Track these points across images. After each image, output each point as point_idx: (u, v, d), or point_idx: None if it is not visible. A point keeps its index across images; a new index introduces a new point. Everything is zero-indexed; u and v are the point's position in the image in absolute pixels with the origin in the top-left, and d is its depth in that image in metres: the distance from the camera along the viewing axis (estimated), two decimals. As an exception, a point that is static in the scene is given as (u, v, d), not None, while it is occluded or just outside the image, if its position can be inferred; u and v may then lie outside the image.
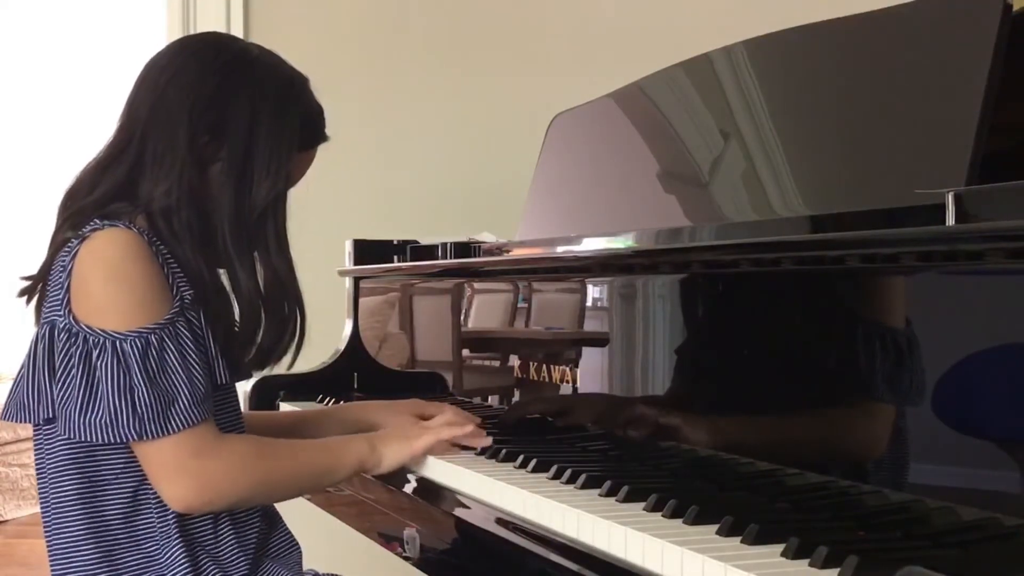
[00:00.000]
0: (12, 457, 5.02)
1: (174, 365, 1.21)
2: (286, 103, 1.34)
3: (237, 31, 2.85)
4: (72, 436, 1.21)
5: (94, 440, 1.20)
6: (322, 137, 1.43)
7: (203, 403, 1.23)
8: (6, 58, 5.75)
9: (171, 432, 1.20)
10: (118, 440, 1.20)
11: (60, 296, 1.22)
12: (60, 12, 5.75)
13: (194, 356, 1.23)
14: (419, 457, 1.44)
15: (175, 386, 1.21)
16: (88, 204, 1.28)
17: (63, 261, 1.24)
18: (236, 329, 1.32)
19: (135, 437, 1.20)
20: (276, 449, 1.33)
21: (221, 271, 1.31)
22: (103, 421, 1.19)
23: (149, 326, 1.21)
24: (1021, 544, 0.87)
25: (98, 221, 1.24)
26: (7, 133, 5.68)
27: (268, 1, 2.90)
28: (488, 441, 1.46)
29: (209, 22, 2.83)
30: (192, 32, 2.79)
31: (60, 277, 1.23)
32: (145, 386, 1.19)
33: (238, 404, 1.40)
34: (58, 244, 1.27)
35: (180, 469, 1.22)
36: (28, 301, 1.31)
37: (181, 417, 1.21)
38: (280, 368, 1.42)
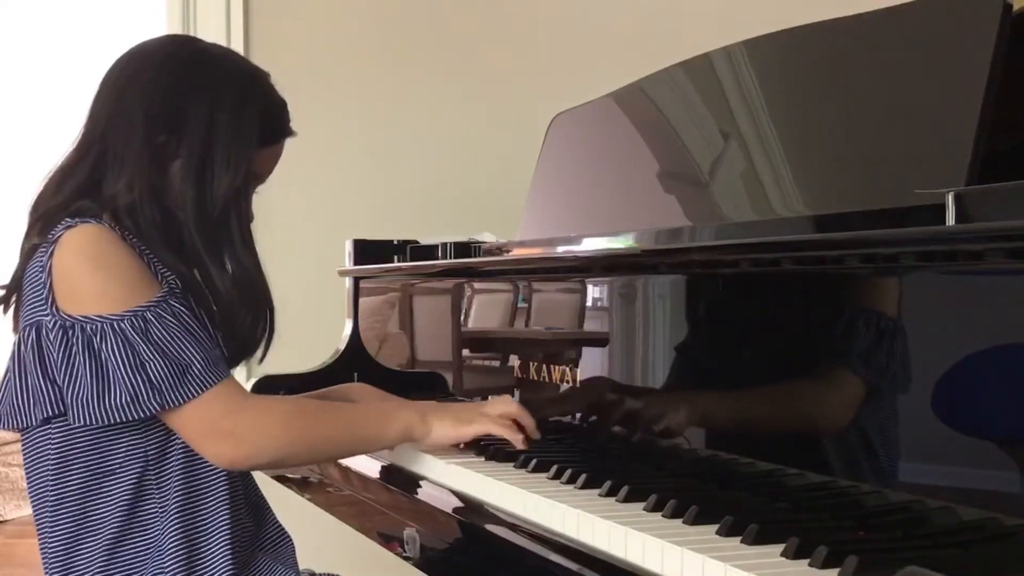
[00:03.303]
0: (12, 457, 5.02)
1: (178, 334, 1.23)
2: (244, 99, 1.34)
3: (237, 32, 2.84)
4: (91, 423, 1.22)
5: (117, 420, 1.21)
6: (287, 132, 1.42)
7: (218, 364, 1.26)
8: (4, 59, 5.75)
9: (193, 396, 1.22)
10: (141, 415, 1.22)
11: (43, 295, 1.23)
12: (59, 13, 5.75)
13: (196, 327, 1.26)
14: (462, 439, 1.43)
15: (186, 352, 1.23)
16: (54, 207, 1.29)
17: (40, 262, 1.25)
18: (216, 323, 1.33)
19: (157, 408, 1.22)
20: (315, 408, 1.37)
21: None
22: (122, 401, 1.20)
23: (143, 304, 1.23)
24: (1021, 544, 0.87)
25: (68, 219, 1.26)
26: (5, 134, 5.68)
27: (268, 2, 2.90)
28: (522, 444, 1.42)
29: (209, 22, 2.83)
30: (191, 33, 2.79)
31: (40, 278, 1.24)
32: (156, 358, 1.21)
33: None
34: (29, 250, 1.29)
35: (216, 429, 1.25)
36: (5, 311, 1.32)
37: (201, 379, 1.23)
38: (253, 364, 1.42)
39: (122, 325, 1.21)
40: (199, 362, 1.23)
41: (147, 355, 1.21)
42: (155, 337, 1.22)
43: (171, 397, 1.22)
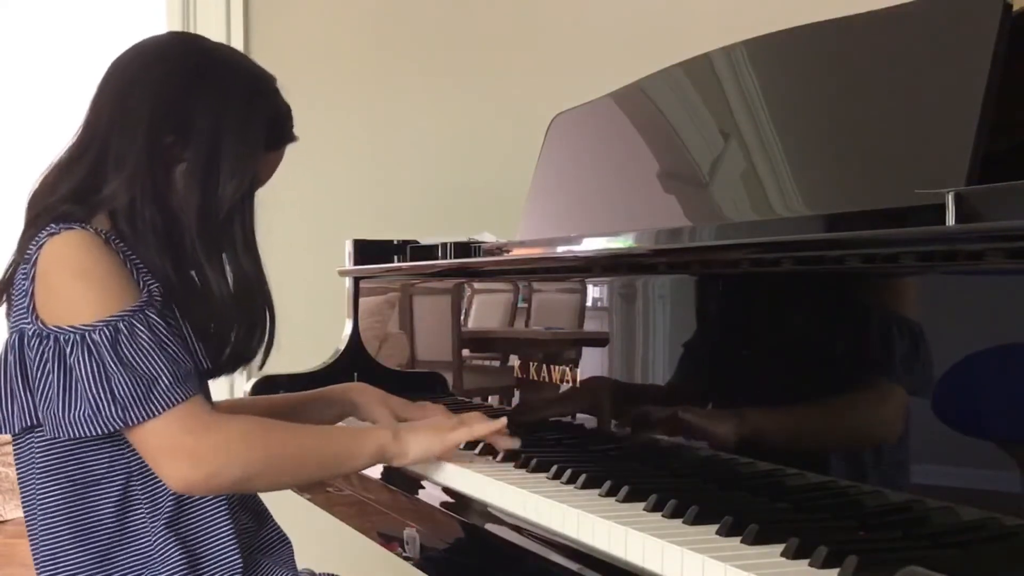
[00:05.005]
0: (12, 457, 5.02)
1: (148, 347, 1.19)
2: (252, 103, 1.33)
3: (237, 31, 2.85)
4: (58, 435, 1.20)
5: (80, 435, 1.19)
6: (290, 137, 1.40)
7: (186, 381, 1.21)
8: (3, 58, 5.75)
9: (156, 413, 1.18)
10: (103, 431, 1.18)
11: (25, 303, 1.21)
12: (59, 12, 5.75)
13: (171, 341, 1.22)
14: (450, 452, 1.40)
15: (153, 367, 1.19)
16: (49, 205, 1.27)
17: (24, 269, 1.23)
18: (210, 330, 1.30)
19: (120, 424, 1.18)
20: (280, 429, 1.30)
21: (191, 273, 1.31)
22: (85, 414, 1.18)
23: (116, 314, 1.19)
24: (1021, 544, 0.87)
25: (54, 226, 1.23)
26: (3, 133, 5.68)
27: (268, 1, 2.90)
28: (516, 443, 1.43)
29: (209, 22, 2.83)
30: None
31: (24, 285, 1.22)
32: (121, 372, 1.17)
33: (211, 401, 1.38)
34: (21, 250, 1.27)
35: (175, 448, 1.20)
36: None
37: (165, 397, 1.19)
38: (252, 369, 1.40)
39: (93, 336, 1.18)
40: (166, 378, 1.19)
41: (113, 368, 1.17)
42: (124, 349, 1.18)
43: (134, 413, 1.18)
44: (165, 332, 1.22)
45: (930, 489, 0.97)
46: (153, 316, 1.22)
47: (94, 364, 1.18)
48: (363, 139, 2.89)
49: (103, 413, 1.18)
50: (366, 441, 1.34)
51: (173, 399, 1.19)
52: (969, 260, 0.93)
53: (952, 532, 0.93)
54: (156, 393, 1.19)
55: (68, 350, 1.18)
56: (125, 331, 1.19)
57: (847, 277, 1.08)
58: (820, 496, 1.07)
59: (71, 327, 1.19)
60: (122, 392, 1.18)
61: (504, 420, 1.43)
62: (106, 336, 1.18)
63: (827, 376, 1.10)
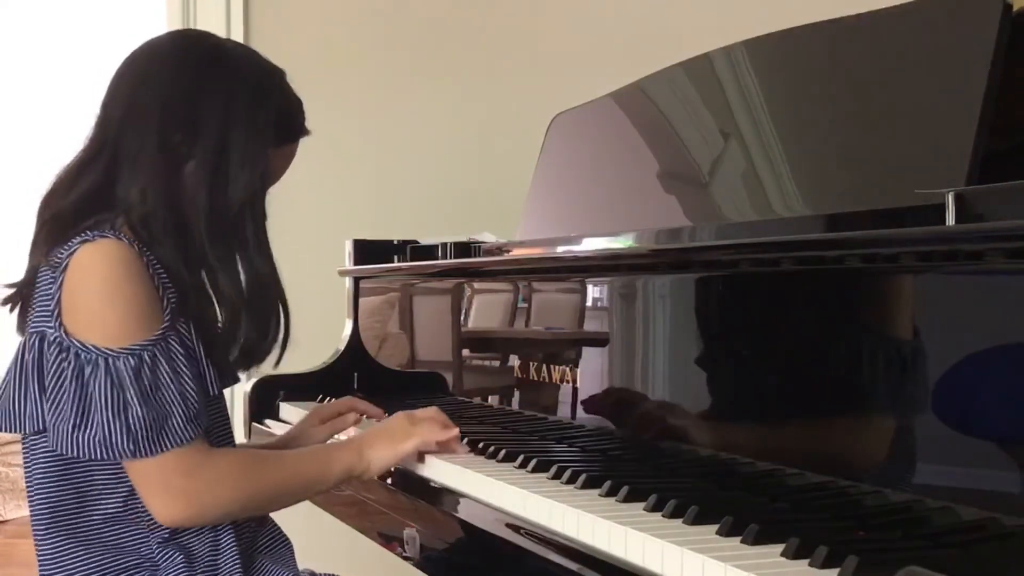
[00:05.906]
0: (12, 457, 5.01)
1: (167, 382, 1.20)
2: (260, 97, 1.32)
3: (237, 31, 2.85)
4: (64, 452, 1.20)
5: (88, 457, 1.20)
6: (302, 131, 1.39)
7: (196, 420, 1.22)
8: (3, 58, 5.75)
9: (164, 450, 1.20)
10: (113, 458, 1.20)
11: (50, 307, 1.21)
12: (59, 12, 5.75)
13: (186, 371, 1.23)
14: (406, 458, 1.44)
15: (168, 404, 1.20)
16: (65, 207, 1.26)
17: (52, 274, 1.22)
18: (218, 330, 1.30)
19: (130, 455, 1.19)
20: (263, 462, 1.33)
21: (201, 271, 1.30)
22: (97, 439, 1.18)
23: (141, 343, 1.19)
24: (1021, 544, 0.87)
25: (89, 233, 1.22)
26: (2, 133, 5.68)
27: (268, 1, 2.90)
28: (463, 451, 1.47)
29: (209, 22, 2.83)
30: (192, 32, 2.79)
31: (50, 288, 1.21)
32: (139, 404, 1.18)
33: (227, 413, 1.39)
34: (41, 251, 1.26)
35: (168, 486, 1.21)
36: (12, 309, 1.30)
37: (175, 435, 1.20)
38: (268, 366, 1.40)
39: (117, 363, 1.18)
40: (178, 416, 1.20)
41: (131, 399, 1.18)
42: (145, 382, 1.19)
43: (144, 447, 1.19)
44: (184, 364, 1.23)
45: (930, 489, 0.97)
46: (175, 345, 1.22)
47: (115, 392, 1.18)
48: (363, 139, 2.89)
49: (115, 442, 1.18)
50: (335, 463, 1.37)
51: (181, 439, 1.21)
52: (969, 260, 0.93)
53: (952, 532, 0.93)
54: (168, 429, 1.20)
55: (88, 370, 1.18)
56: (148, 362, 1.20)
57: (847, 277, 1.08)
58: (820, 496, 1.07)
59: (94, 346, 1.19)
60: (137, 424, 1.19)
61: (456, 431, 1.46)
62: (130, 365, 1.18)
63: (827, 376, 1.10)
